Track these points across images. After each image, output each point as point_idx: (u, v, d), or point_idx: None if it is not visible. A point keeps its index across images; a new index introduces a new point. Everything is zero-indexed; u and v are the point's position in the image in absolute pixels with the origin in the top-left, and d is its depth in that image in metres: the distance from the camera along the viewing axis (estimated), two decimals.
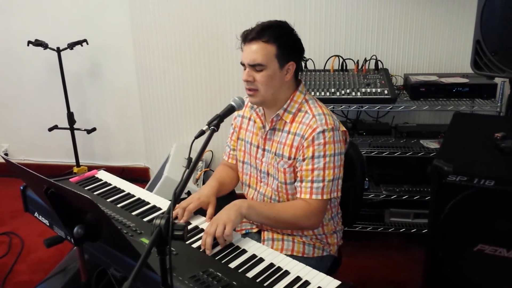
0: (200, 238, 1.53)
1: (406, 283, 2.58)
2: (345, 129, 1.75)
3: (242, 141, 1.89)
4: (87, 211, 1.27)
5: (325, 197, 1.67)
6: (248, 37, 1.65)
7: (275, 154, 1.75)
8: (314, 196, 1.66)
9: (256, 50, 1.63)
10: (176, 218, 1.67)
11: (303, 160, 1.67)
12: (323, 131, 1.64)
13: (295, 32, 1.71)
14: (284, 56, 1.65)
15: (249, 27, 1.69)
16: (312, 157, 1.65)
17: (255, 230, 1.82)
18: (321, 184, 1.66)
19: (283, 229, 1.77)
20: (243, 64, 1.68)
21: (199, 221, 1.67)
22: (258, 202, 1.77)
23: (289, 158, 1.71)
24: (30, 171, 1.35)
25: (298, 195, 1.70)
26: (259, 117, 1.81)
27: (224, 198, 1.85)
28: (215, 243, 1.50)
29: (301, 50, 1.74)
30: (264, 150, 1.80)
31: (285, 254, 1.51)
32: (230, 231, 1.51)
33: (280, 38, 1.64)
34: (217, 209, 1.70)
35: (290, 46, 1.68)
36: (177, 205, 1.69)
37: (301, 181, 1.69)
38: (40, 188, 1.32)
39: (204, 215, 1.70)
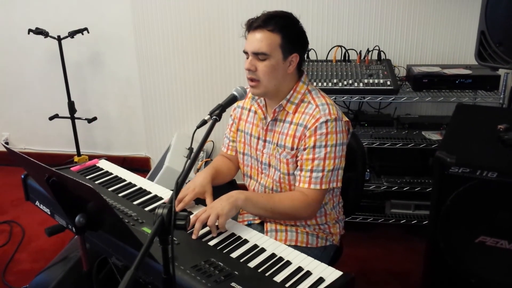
0: (201, 228, 1.54)
1: (406, 273, 2.59)
2: (348, 119, 1.74)
3: (242, 133, 1.88)
4: (89, 200, 1.27)
5: (323, 187, 1.66)
6: (253, 25, 1.63)
7: (277, 145, 1.74)
8: (312, 186, 1.66)
9: (261, 39, 1.61)
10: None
11: (304, 149, 1.67)
12: (326, 121, 1.64)
13: (301, 24, 1.69)
14: (288, 47, 1.63)
15: (251, 16, 1.67)
16: (314, 147, 1.65)
17: (257, 221, 1.83)
18: (320, 174, 1.65)
19: (281, 220, 1.77)
20: (246, 53, 1.66)
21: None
22: (255, 194, 1.76)
23: (292, 149, 1.70)
24: (32, 159, 1.35)
25: (296, 184, 1.70)
26: (260, 108, 1.79)
27: (224, 188, 1.84)
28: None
29: (306, 42, 1.72)
30: (265, 141, 1.79)
31: (289, 245, 1.51)
32: (223, 223, 1.51)
33: (286, 28, 1.62)
34: (214, 197, 1.69)
35: (294, 37, 1.66)
36: None
37: (301, 170, 1.68)
38: (42, 177, 1.32)
39: (204, 203, 1.69)
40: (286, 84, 1.71)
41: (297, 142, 1.69)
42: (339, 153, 1.67)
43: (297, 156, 1.70)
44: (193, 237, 1.47)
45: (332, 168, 1.66)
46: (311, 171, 1.66)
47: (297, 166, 1.72)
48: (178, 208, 1.65)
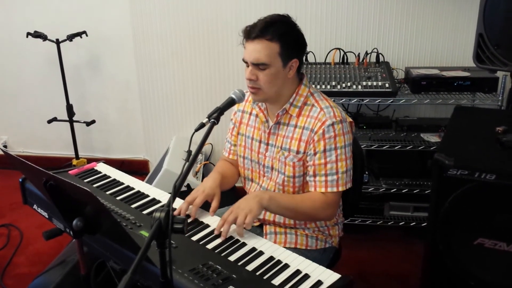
0: (199, 231, 1.54)
1: (405, 276, 2.58)
2: (351, 120, 1.75)
3: (243, 136, 1.87)
4: (87, 204, 1.27)
5: (340, 189, 1.67)
6: (251, 34, 1.61)
7: (281, 148, 1.74)
8: (329, 189, 1.67)
9: (260, 49, 1.60)
10: (174, 210, 1.65)
11: (315, 154, 1.67)
12: (333, 124, 1.64)
13: (298, 27, 1.68)
14: (288, 54, 1.63)
15: (250, 20, 1.67)
16: (324, 151, 1.65)
17: (256, 224, 1.82)
18: (335, 177, 1.66)
19: (302, 221, 1.76)
20: (245, 62, 1.66)
21: (200, 215, 1.66)
22: (278, 194, 1.75)
23: (298, 152, 1.70)
24: (29, 163, 1.34)
25: (312, 189, 1.70)
26: (262, 111, 1.79)
27: (225, 193, 1.84)
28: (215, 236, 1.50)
29: (304, 46, 1.71)
30: (267, 144, 1.78)
31: (289, 247, 1.51)
32: (251, 221, 1.51)
33: (284, 36, 1.61)
34: (221, 202, 1.70)
35: (293, 43, 1.65)
36: (183, 200, 1.68)
37: (315, 176, 1.68)
38: (39, 181, 1.31)
39: (206, 208, 1.69)
40: (287, 89, 1.71)
41: (304, 145, 1.69)
42: (348, 154, 1.69)
43: (304, 160, 1.70)
44: (221, 239, 1.48)
45: (345, 170, 1.67)
46: (326, 175, 1.66)
47: (303, 169, 1.72)
48: (192, 214, 1.64)
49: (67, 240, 2.39)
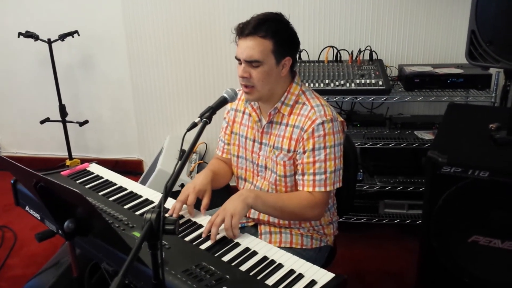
0: (192, 232, 1.53)
1: (400, 273, 2.59)
2: (342, 119, 1.74)
3: (236, 135, 1.86)
4: (77, 206, 1.25)
5: (328, 188, 1.66)
6: (244, 31, 1.60)
7: (273, 147, 1.73)
8: (317, 189, 1.65)
9: (253, 46, 1.59)
10: (167, 210, 1.64)
11: (304, 152, 1.66)
12: (323, 123, 1.63)
13: (291, 25, 1.67)
14: (281, 51, 1.62)
15: (243, 17, 1.66)
16: (313, 149, 1.64)
17: (251, 224, 1.81)
18: (323, 176, 1.65)
19: (289, 220, 1.75)
20: (238, 59, 1.65)
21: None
22: (264, 192, 1.75)
23: (289, 151, 1.69)
24: (19, 165, 1.33)
25: (300, 188, 1.69)
26: (254, 110, 1.78)
27: (219, 192, 1.83)
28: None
29: (297, 44, 1.71)
30: (261, 143, 1.78)
31: (284, 247, 1.50)
32: (236, 223, 1.50)
33: (277, 33, 1.60)
34: (212, 200, 1.69)
35: (286, 41, 1.65)
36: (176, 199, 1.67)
37: (303, 174, 1.67)
38: (30, 182, 1.30)
39: (198, 207, 1.68)
40: (280, 87, 1.70)
41: (294, 144, 1.68)
42: (338, 154, 1.67)
43: (294, 159, 1.69)
44: (211, 242, 1.47)
45: (333, 169, 1.66)
46: (314, 174, 1.65)
47: (294, 168, 1.71)
48: (189, 212, 1.63)
49: (61, 242, 2.39)
